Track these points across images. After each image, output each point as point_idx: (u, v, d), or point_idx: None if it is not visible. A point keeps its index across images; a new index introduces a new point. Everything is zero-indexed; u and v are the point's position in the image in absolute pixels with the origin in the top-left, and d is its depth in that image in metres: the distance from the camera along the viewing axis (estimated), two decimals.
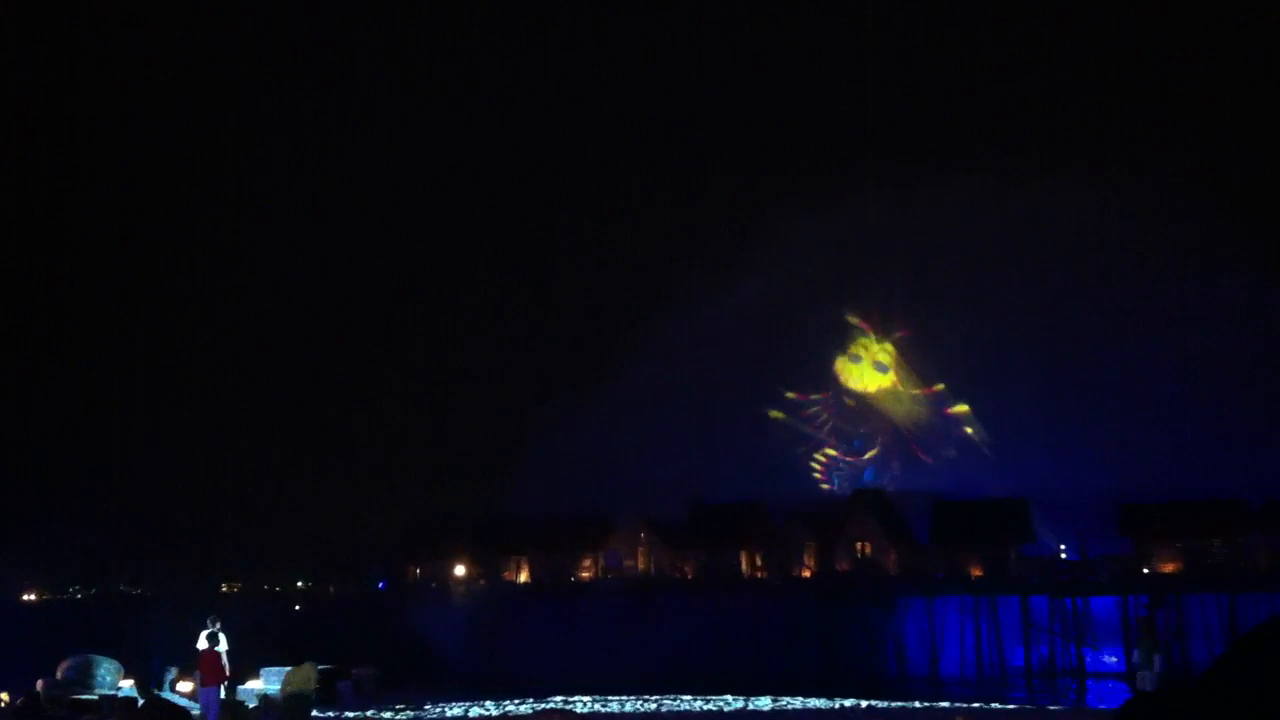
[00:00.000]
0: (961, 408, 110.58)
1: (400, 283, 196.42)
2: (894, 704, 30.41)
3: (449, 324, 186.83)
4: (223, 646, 24.89)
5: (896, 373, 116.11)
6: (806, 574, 78.05)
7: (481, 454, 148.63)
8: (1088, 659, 64.10)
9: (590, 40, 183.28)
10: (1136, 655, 23.96)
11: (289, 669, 21.98)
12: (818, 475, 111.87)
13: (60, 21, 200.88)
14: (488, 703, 32.10)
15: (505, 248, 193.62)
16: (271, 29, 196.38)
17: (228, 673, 25.14)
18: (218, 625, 25.31)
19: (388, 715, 28.20)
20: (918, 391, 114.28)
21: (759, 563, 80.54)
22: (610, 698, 33.30)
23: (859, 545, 77.01)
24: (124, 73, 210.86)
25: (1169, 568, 66.13)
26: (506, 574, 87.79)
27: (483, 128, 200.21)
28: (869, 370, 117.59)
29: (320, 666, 33.33)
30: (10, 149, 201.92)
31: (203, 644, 25.05)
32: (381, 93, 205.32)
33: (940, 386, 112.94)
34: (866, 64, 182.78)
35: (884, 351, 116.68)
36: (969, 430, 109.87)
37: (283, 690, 21.72)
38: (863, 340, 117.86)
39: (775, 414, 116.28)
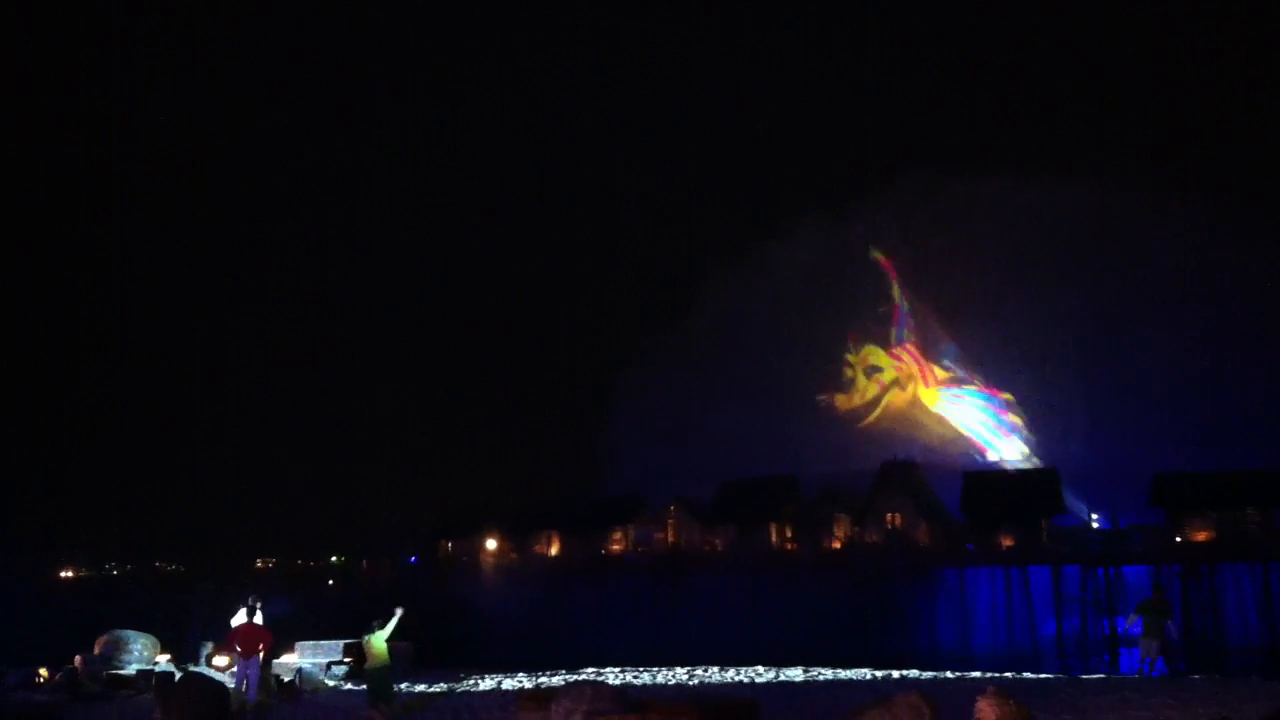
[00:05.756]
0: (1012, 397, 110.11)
1: (438, 282, 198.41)
2: (925, 674, 30.34)
3: (486, 322, 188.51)
4: (258, 620, 25.34)
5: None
6: (837, 545, 77.93)
7: (520, 443, 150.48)
8: (1120, 628, 63.88)
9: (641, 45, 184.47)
10: (1140, 624, 23.54)
11: (374, 635, 21.10)
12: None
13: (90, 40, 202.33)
14: (520, 675, 32.28)
15: (532, 249, 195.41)
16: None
17: (270, 643, 25.54)
18: (257, 604, 25.67)
19: (421, 688, 28.42)
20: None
21: (789, 536, 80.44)
22: (641, 669, 33.39)
23: (890, 518, 76.70)
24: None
25: (1201, 537, 65.64)
26: (538, 547, 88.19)
27: (525, 125, 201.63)
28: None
29: (351, 641, 33.61)
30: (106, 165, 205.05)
31: (241, 618, 25.45)
32: (422, 108, 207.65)
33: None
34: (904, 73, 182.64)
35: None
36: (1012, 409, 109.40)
37: (370, 662, 21.16)
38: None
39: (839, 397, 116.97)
